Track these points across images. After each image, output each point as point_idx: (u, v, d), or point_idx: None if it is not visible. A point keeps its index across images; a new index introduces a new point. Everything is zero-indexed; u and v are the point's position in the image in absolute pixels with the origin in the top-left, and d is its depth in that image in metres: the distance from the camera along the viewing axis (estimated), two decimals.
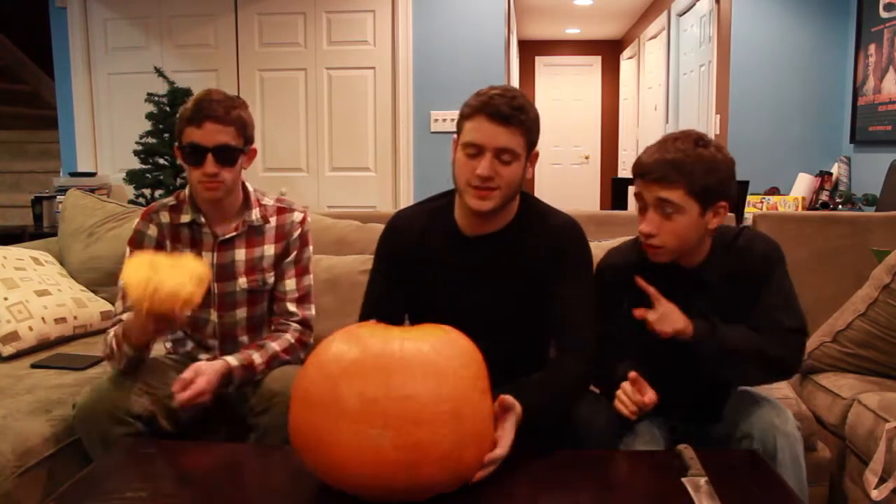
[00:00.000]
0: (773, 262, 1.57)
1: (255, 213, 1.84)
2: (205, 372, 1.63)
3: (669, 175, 1.46)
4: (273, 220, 1.87)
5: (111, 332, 1.73)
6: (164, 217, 1.83)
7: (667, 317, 1.49)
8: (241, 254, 1.83)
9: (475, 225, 1.60)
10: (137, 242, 1.82)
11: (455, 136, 1.58)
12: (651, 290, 1.51)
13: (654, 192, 1.48)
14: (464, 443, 1.20)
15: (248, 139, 1.78)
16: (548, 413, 1.45)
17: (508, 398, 1.35)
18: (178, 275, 1.52)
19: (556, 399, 1.49)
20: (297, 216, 1.89)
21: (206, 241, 1.82)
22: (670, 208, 1.48)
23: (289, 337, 1.82)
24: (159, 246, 1.81)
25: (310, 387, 1.22)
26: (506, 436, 1.32)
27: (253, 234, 1.85)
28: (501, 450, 1.29)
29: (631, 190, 1.67)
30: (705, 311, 1.52)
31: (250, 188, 1.87)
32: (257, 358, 1.73)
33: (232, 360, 1.70)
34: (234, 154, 1.73)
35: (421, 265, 1.64)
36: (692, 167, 1.46)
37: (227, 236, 1.82)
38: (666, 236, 1.50)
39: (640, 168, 1.51)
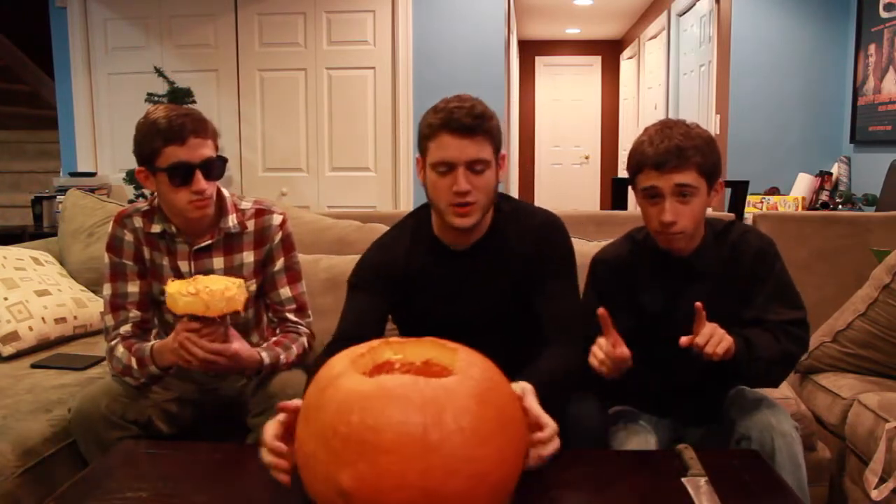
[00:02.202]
0: (771, 258, 1.58)
1: (232, 220, 1.77)
2: (239, 339, 1.62)
3: (685, 159, 1.47)
4: (251, 225, 1.79)
5: (120, 347, 1.70)
6: (138, 222, 1.76)
7: (715, 338, 1.41)
8: (219, 262, 1.77)
9: (456, 237, 1.60)
10: (116, 249, 1.75)
11: (418, 157, 1.56)
12: (699, 311, 1.43)
13: (673, 179, 1.48)
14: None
15: (218, 148, 1.72)
16: (552, 390, 1.41)
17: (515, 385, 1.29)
18: (219, 281, 1.51)
19: (556, 377, 1.46)
20: (276, 219, 1.81)
21: (180, 250, 1.76)
22: (687, 191, 1.49)
23: (304, 341, 1.81)
24: (137, 251, 1.76)
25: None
26: (542, 413, 1.26)
27: (231, 242, 1.78)
28: (550, 427, 1.25)
29: (631, 190, 1.64)
30: (698, 301, 1.50)
31: (226, 193, 1.79)
32: (283, 357, 1.72)
33: (265, 357, 1.68)
34: (220, 166, 1.68)
35: (410, 283, 1.63)
36: (700, 147, 1.49)
37: (202, 245, 1.75)
38: (685, 220, 1.50)
39: (651, 159, 1.49)
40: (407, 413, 1.01)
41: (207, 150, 1.64)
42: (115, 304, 1.75)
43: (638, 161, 1.52)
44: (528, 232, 1.62)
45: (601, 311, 1.42)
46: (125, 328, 1.73)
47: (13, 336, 2.21)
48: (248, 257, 1.80)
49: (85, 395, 1.65)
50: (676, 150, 1.47)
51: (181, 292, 1.48)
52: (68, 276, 2.59)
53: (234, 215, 1.78)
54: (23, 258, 2.49)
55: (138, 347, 1.67)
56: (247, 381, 1.77)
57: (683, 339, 1.42)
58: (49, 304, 2.34)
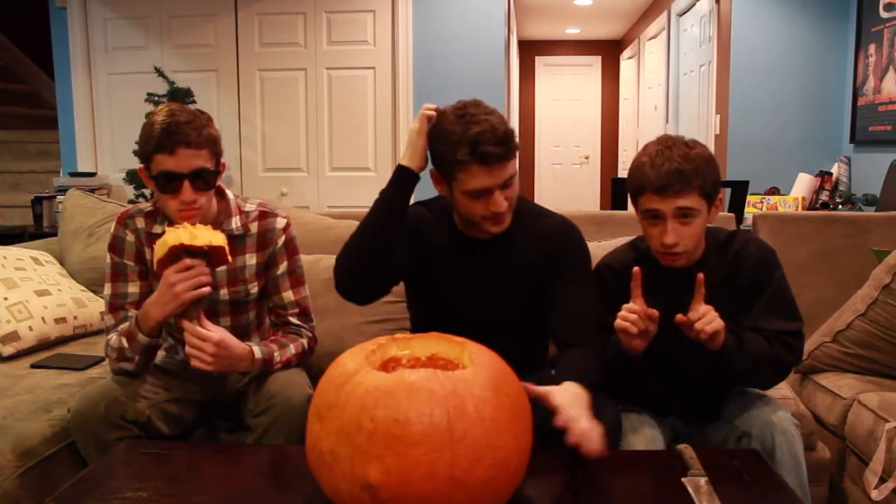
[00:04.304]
0: (771, 267, 1.60)
1: (236, 222, 1.76)
2: (223, 331, 1.62)
3: (686, 182, 1.48)
4: (254, 227, 1.79)
5: (113, 336, 1.70)
6: (140, 223, 1.76)
7: (707, 317, 1.45)
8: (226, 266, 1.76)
9: (474, 232, 1.64)
10: (118, 249, 1.76)
11: (432, 169, 1.58)
12: (699, 283, 1.46)
13: (674, 203, 1.48)
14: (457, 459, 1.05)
15: (219, 156, 1.69)
16: (599, 377, 1.48)
17: (532, 388, 1.33)
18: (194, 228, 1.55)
19: (599, 366, 1.52)
20: (280, 222, 1.81)
21: None
22: (689, 214, 1.50)
23: (304, 341, 1.80)
24: (139, 252, 1.76)
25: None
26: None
27: (234, 244, 1.77)
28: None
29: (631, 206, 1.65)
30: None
31: (230, 195, 1.79)
32: (277, 356, 1.71)
33: (257, 351, 1.67)
34: (211, 177, 1.66)
35: (426, 260, 1.66)
36: (700, 169, 1.49)
37: None
38: (687, 241, 1.52)
39: (653, 184, 1.49)
40: (432, 405, 1.04)
41: (198, 161, 1.61)
42: (115, 305, 1.75)
43: (639, 183, 1.52)
44: (547, 232, 1.66)
45: (635, 269, 1.45)
46: (123, 328, 1.73)
47: (13, 336, 2.21)
48: (251, 259, 1.80)
49: (84, 396, 1.64)
50: (678, 174, 1.47)
51: (168, 231, 1.54)
52: (68, 276, 2.59)
53: (238, 217, 1.78)
54: (23, 258, 2.48)
55: (125, 326, 1.67)
56: (246, 380, 1.77)
57: (679, 316, 1.44)
58: (49, 304, 2.34)
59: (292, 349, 1.76)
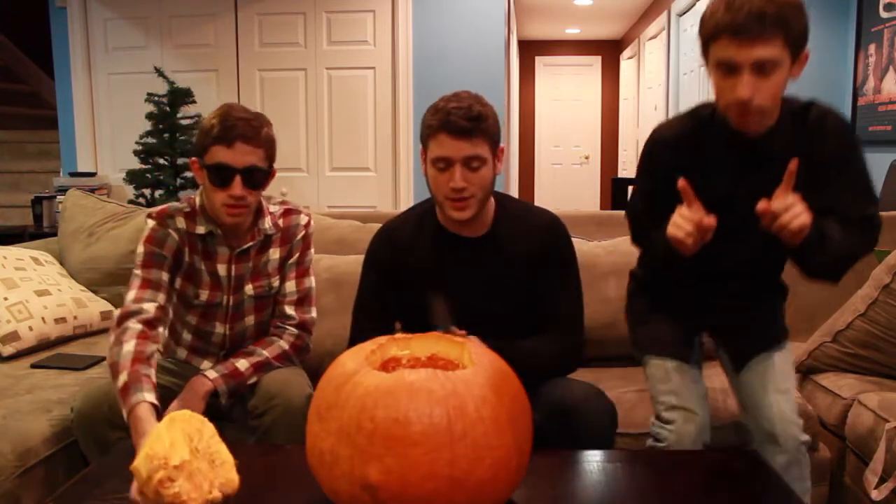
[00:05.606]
0: (851, 144, 1.43)
1: (268, 222, 1.80)
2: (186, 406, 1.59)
3: (770, 29, 1.26)
4: (281, 223, 1.83)
5: (132, 341, 1.57)
6: (181, 223, 1.75)
7: (794, 209, 1.24)
8: (253, 262, 1.81)
9: (457, 228, 1.66)
10: (158, 241, 1.72)
11: (422, 149, 1.63)
12: (790, 172, 1.26)
13: (753, 53, 1.27)
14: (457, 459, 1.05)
15: (273, 160, 1.73)
16: (524, 358, 1.45)
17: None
18: (203, 483, 1.22)
19: (523, 355, 1.50)
20: (303, 219, 1.86)
21: (220, 252, 1.77)
22: (769, 66, 1.29)
23: (283, 343, 1.79)
24: (178, 250, 1.74)
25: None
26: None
27: (265, 243, 1.82)
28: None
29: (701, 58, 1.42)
30: (769, 186, 1.33)
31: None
32: (242, 364, 1.71)
33: (211, 373, 1.67)
34: (263, 177, 1.69)
35: (414, 267, 1.68)
36: (785, 14, 1.28)
37: (245, 247, 1.77)
38: (764, 98, 1.32)
39: (729, 27, 1.28)
40: (432, 405, 1.04)
41: (253, 158, 1.65)
42: (147, 283, 1.69)
43: (713, 27, 1.31)
44: (532, 230, 1.68)
45: (681, 182, 1.33)
46: (149, 306, 1.66)
47: (13, 336, 2.21)
48: (275, 254, 1.83)
49: (87, 395, 1.65)
50: (759, 16, 1.25)
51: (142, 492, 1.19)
52: (68, 276, 2.59)
53: (268, 218, 1.81)
54: (23, 258, 2.49)
55: (147, 374, 1.54)
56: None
57: (762, 203, 1.28)
58: (49, 304, 2.34)
59: (265, 353, 1.75)
